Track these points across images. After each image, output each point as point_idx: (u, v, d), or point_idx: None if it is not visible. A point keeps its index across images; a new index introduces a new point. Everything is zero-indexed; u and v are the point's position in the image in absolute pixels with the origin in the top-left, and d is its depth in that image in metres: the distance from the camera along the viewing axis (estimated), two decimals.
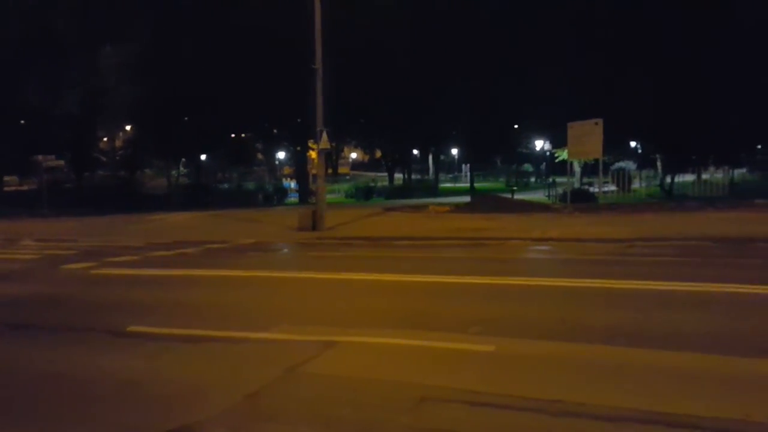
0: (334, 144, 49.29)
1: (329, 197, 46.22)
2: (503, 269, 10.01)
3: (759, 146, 42.01)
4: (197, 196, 37.83)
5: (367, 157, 77.09)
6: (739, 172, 47.71)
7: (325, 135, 17.42)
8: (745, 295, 7.26)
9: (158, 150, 40.89)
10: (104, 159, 44.71)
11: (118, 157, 44.87)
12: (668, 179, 36.48)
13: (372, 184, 50.40)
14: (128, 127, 46.36)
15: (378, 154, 65.07)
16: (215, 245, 14.89)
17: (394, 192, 46.59)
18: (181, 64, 33.16)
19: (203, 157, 46.92)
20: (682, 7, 28.77)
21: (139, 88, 33.39)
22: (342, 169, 78.52)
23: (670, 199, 29.97)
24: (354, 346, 5.64)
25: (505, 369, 4.87)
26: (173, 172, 47.80)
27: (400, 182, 56.57)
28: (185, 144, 39.20)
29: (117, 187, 38.84)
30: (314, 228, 17.45)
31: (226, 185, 47.16)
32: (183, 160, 47.25)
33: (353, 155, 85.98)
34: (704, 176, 33.98)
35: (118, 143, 48.53)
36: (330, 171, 71.34)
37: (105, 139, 47.12)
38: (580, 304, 7.14)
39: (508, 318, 6.54)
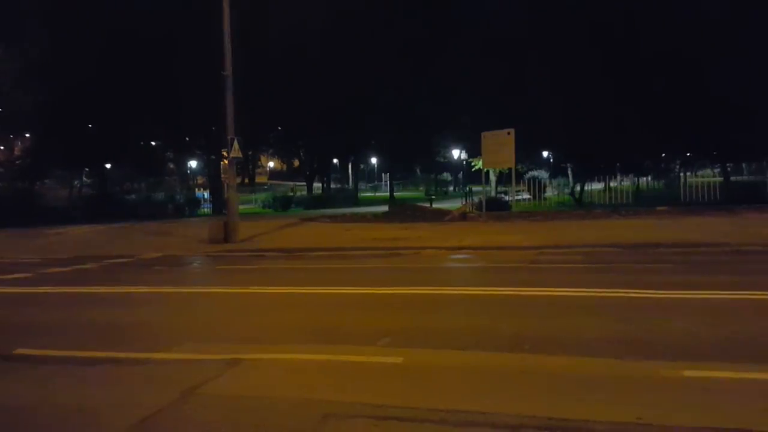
0: (249, 152, 48.67)
1: (246, 207, 45.74)
2: (417, 279, 10.13)
3: (663, 154, 44.50)
4: (102, 207, 36.20)
5: (285, 166, 76.47)
6: (644, 180, 50.65)
7: (236, 143, 17.13)
8: (641, 299, 7.60)
9: (59, 159, 38.91)
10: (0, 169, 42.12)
11: (15, 167, 42.33)
12: (578, 187, 38.36)
13: (290, 194, 50.02)
14: (27, 135, 43.89)
15: (296, 163, 64.67)
16: (118, 260, 14.32)
17: (313, 202, 46.40)
18: (83, 67, 31.75)
19: (108, 166, 45.04)
20: (587, 17, 30.27)
21: (37, 93, 31.71)
22: (259, 179, 77.45)
23: (579, 206, 31.39)
24: (259, 364, 5.53)
25: (411, 381, 4.90)
26: (76, 183, 45.63)
27: (320, 192, 56.46)
28: (88, 152, 37.48)
29: (14, 198, 36.59)
30: (226, 240, 17.10)
31: (133, 196, 45.28)
32: (86, 169, 45.18)
33: (271, 164, 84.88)
34: (612, 184, 35.83)
35: (17, 152, 45.78)
36: (246, 180, 70.19)
37: (2, 148, 44.43)
38: (490, 312, 7.29)
39: (417, 328, 6.58)
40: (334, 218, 25.30)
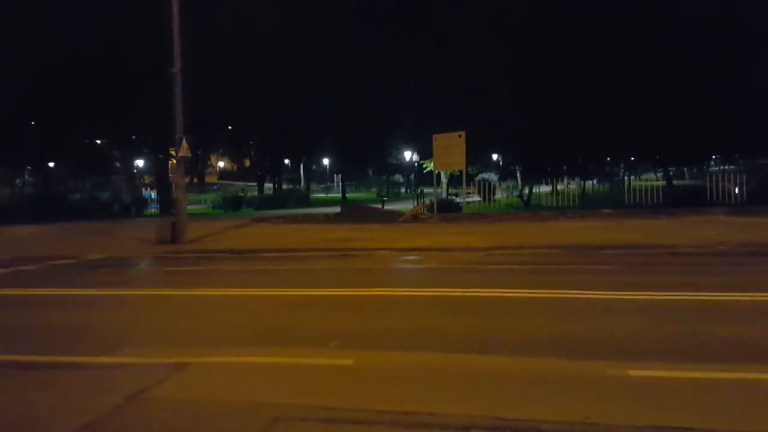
0: (199, 152, 47.78)
1: (195, 208, 44.95)
2: (368, 280, 10.15)
3: (608, 158, 45.61)
4: (45, 207, 34.96)
5: (235, 166, 75.24)
6: (590, 184, 51.87)
7: (185, 142, 16.81)
8: (586, 300, 7.79)
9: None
10: None
11: None
12: (526, 190, 39.03)
13: (241, 194, 49.19)
14: None
15: (247, 163, 63.75)
16: (61, 261, 13.85)
17: (264, 202, 45.86)
18: (22, 64, 30.63)
19: (51, 164, 43.58)
20: (538, 19, 30.86)
21: None
22: (209, 178, 76.08)
23: (528, 208, 31.94)
24: (207, 367, 5.42)
25: (362, 383, 4.89)
26: (17, 181, 43.98)
27: (271, 192, 55.86)
28: (27, 150, 36.14)
29: None
30: (174, 241, 16.75)
31: (78, 195, 43.94)
32: (28, 168, 43.61)
33: (221, 164, 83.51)
34: (559, 187, 36.60)
35: None
36: (196, 180, 69.00)
37: None
38: (440, 312, 7.36)
39: (368, 330, 6.58)
40: (286, 219, 25.17)
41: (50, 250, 15.78)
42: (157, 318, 7.70)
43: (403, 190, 73.78)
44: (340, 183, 67.46)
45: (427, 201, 29.66)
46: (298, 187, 65.62)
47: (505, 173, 46.19)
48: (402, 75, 33.29)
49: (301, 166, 68.30)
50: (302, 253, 14.41)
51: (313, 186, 72.81)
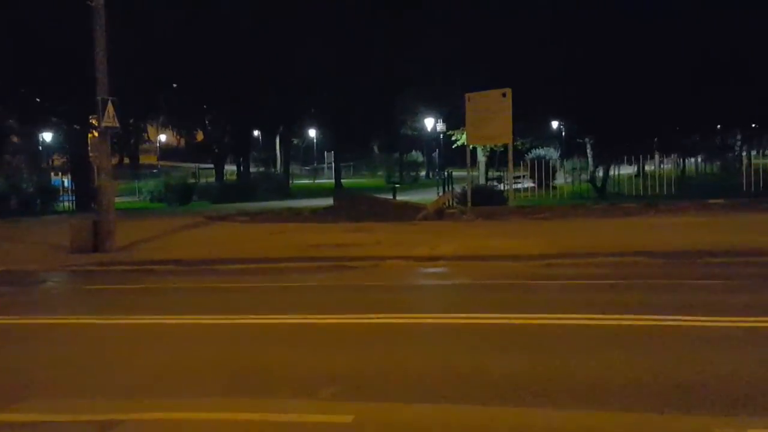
0: (131, 121, 47.74)
1: (126, 201, 44.98)
2: (374, 303, 10.17)
3: (718, 126, 44.98)
4: None
5: (183, 142, 74.15)
6: (692, 163, 51.39)
7: (111, 107, 16.87)
8: (687, 329, 7.73)
9: None
10: None
11: None
12: (600, 172, 38.82)
13: (192, 181, 49.40)
14: None
15: (200, 136, 63.48)
16: None
17: (225, 193, 46.10)
18: None
19: None
20: None
21: None
22: (146, 158, 76.05)
23: (602, 198, 31.85)
24: (147, 427, 5.44)
25: None
26: None
27: (235, 178, 55.87)
28: None
29: None
30: (98, 248, 16.84)
31: None
32: None
33: (162, 138, 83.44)
34: (648, 168, 36.35)
35: None
36: (127, 160, 69.39)
37: None
38: (476, 348, 7.33)
39: (374, 373, 6.59)
40: (255, 216, 25.29)
41: None
42: (77, 356, 7.69)
43: (422, 173, 73.73)
44: (333, 164, 67.09)
45: (457, 189, 29.62)
46: (273, 170, 65.65)
47: (570, 149, 46.11)
48: (423, 12, 33.15)
49: (278, 141, 68.15)
50: (280, 264, 14.48)
51: (295, 168, 72.56)
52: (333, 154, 68.51)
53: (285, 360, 7.16)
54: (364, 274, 12.96)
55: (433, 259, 14.27)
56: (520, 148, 34.27)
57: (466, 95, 22.54)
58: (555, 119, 43.16)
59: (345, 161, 68.30)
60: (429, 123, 53.70)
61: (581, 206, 25.10)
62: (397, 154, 72.56)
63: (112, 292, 12.09)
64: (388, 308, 9.50)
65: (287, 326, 8.72)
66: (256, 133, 66.29)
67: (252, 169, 60.14)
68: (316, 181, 71.85)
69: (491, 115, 21.91)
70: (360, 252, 15.21)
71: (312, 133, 75.64)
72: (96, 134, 17.70)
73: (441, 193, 31.41)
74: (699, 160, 53.42)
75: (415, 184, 60.48)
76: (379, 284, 11.93)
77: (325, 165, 78.59)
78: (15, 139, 52.76)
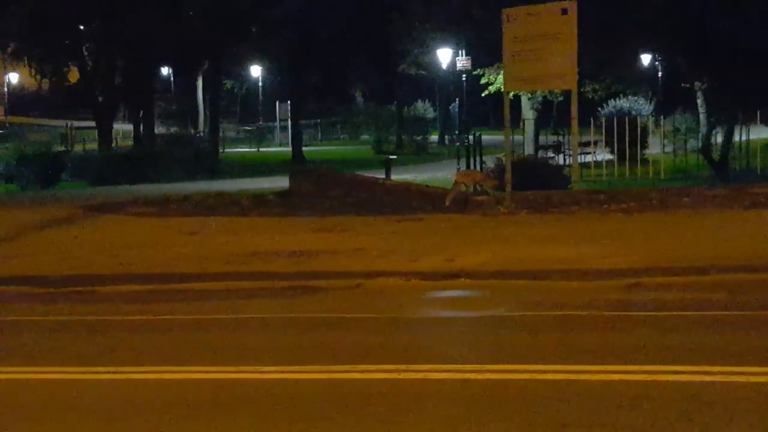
0: None
1: None
2: (352, 349, 7.84)
3: None
4: None
5: (46, 84, 56.08)
6: None
7: None
8: None
9: None
10: None
11: None
12: (718, 137, 31.03)
13: (61, 149, 40.16)
14: None
15: (74, 76, 46.09)
16: None
17: (114, 168, 34.35)
18: None
19: None
20: None
21: None
22: None
23: (722, 179, 25.87)
24: None
25: None
26: None
27: (130, 145, 43.25)
28: None
29: None
30: None
31: None
32: None
33: (13, 78, 63.13)
34: None
35: None
36: None
37: None
38: (509, 420, 5.55)
39: None
40: (164, 207, 20.30)
41: None
42: None
43: (433, 137, 55.27)
44: (290, 123, 50.33)
45: (489, 163, 23.59)
46: (193, 131, 48.66)
47: (671, 100, 37.25)
48: None
49: (200, 85, 49.01)
50: (202, 284, 11.54)
51: (229, 130, 57.02)
52: (290, 107, 50.99)
53: None
54: (339, 301, 10.21)
55: (449, 275, 11.26)
56: (591, 97, 28.55)
57: (504, 12, 17.09)
58: (647, 50, 34.53)
59: (310, 117, 53.80)
60: (444, 57, 41.17)
61: (688, 191, 19.37)
62: (393, 106, 54.51)
63: None
64: (375, 356, 7.41)
65: (214, 385, 6.76)
66: (165, 71, 52.67)
67: (159, 130, 45.95)
68: (263, 149, 54.79)
69: (544, 43, 16.65)
70: (332, 265, 12.20)
71: (256, 72, 57.21)
72: None
73: (463, 170, 25.14)
74: None
75: (422, 154, 46.97)
76: (361, 317, 9.40)
77: (278, 123, 58.90)
78: None
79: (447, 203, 17.79)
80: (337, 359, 7.27)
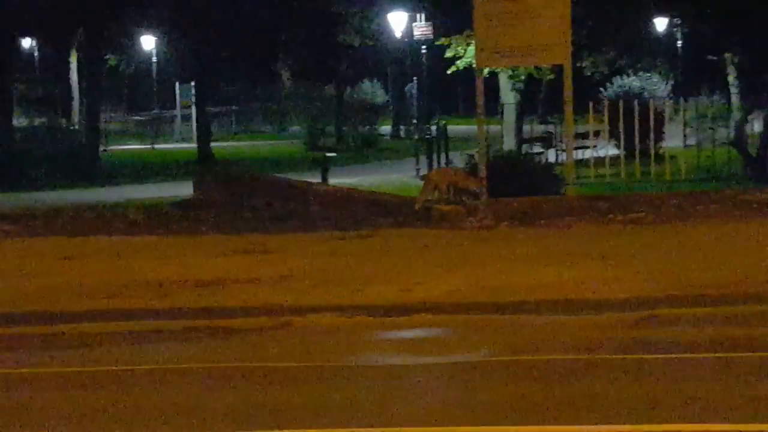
0: None
1: None
2: (276, 408, 6.56)
3: None
4: None
5: None
6: None
7: None
8: None
9: None
10: None
11: None
12: (754, 125, 28.85)
13: None
14: None
15: None
16: None
17: None
18: None
19: None
20: None
21: None
22: None
23: (758, 178, 23.25)
24: None
25: None
26: None
27: None
28: None
29: None
30: None
31: None
32: None
33: None
34: None
35: None
36: None
37: None
38: None
39: None
40: (29, 222, 17.66)
41: None
42: None
43: (385, 128, 48.78)
44: (195, 110, 42.85)
45: (459, 162, 20.92)
46: (64, 122, 42.33)
47: (693, 77, 34.39)
48: None
49: (73, 62, 42.88)
50: (78, 325, 9.73)
51: (115, 121, 48.31)
52: (194, 89, 43.39)
53: None
54: (258, 346, 8.86)
55: (405, 310, 9.66)
56: (590, 74, 25.91)
57: None
58: (663, 11, 29.59)
59: (221, 104, 47.10)
60: (398, 22, 36.22)
61: (716, 196, 17.11)
62: (331, 88, 47.05)
63: None
64: (301, 422, 6.05)
65: None
66: (26, 43, 44.20)
67: (19, 122, 38.28)
68: (159, 145, 46.55)
69: (528, 4, 14.56)
70: (250, 298, 10.42)
71: (148, 44, 47.69)
72: None
73: (426, 171, 22.51)
74: None
75: (369, 151, 40.59)
76: (287, 366, 7.96)
77: (178, 112, 50.08)
78: None
79: (417, 208, 16.03)
80: (252, 425, 5.96)
